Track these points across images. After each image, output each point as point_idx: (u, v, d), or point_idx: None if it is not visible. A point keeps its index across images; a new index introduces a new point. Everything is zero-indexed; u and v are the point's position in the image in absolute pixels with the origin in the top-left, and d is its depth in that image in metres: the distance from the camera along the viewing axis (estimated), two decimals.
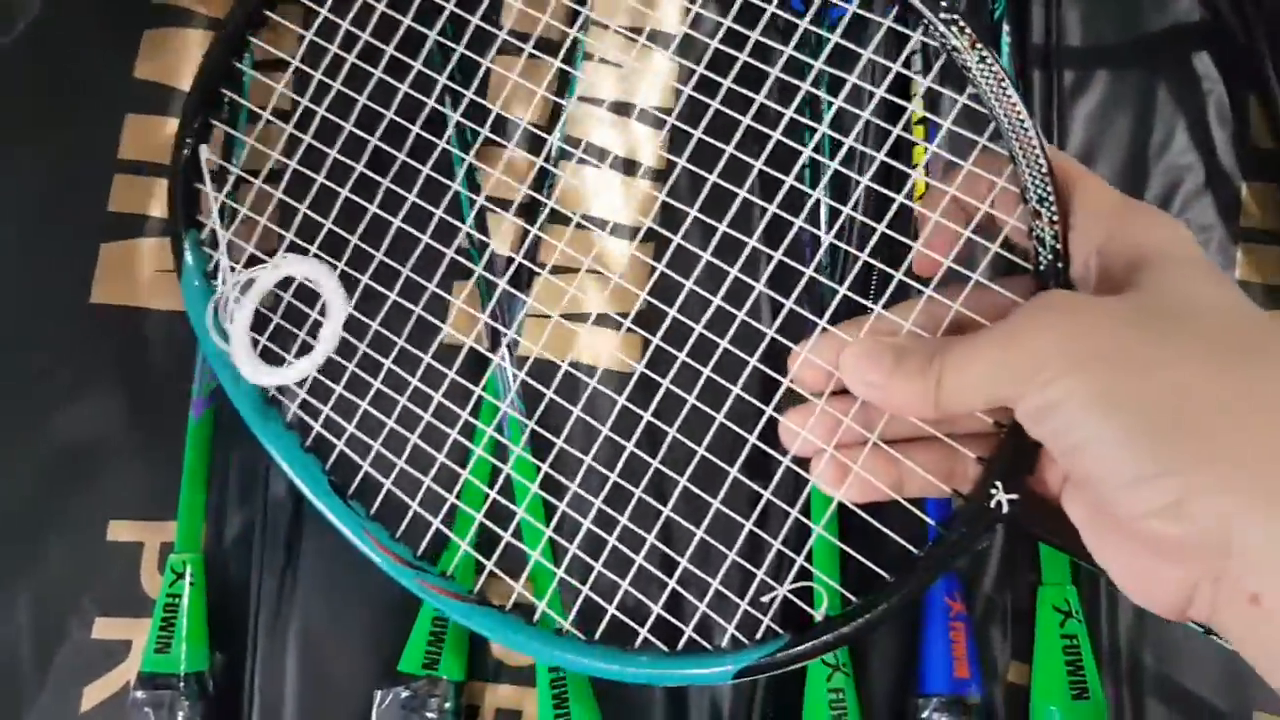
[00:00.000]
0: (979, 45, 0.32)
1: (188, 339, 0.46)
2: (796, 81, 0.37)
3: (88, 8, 0.50)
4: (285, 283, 0.41)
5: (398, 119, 0.41)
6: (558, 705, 0.42)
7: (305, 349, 0.40)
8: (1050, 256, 0.31)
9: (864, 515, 0.35)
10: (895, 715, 0.44)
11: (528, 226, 0.46)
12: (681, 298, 0.38)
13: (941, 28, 0.32)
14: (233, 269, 0.41)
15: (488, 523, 0.40)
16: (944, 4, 0.32)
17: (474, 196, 0.44)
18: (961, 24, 0.32)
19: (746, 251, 0.37)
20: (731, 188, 0.37)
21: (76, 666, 0.45)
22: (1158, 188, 0.48)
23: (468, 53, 0.42)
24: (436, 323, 0.41)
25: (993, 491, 0.31)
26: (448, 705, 0.43)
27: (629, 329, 0.41)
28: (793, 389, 0.36)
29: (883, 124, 0.37)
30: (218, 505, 0.47)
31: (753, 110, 0.37)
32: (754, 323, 0.37)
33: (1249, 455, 0.25)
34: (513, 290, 0.45)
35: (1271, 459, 0.24)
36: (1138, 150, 0.48)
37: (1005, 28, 0.47)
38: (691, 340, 0.38)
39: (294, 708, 0.45)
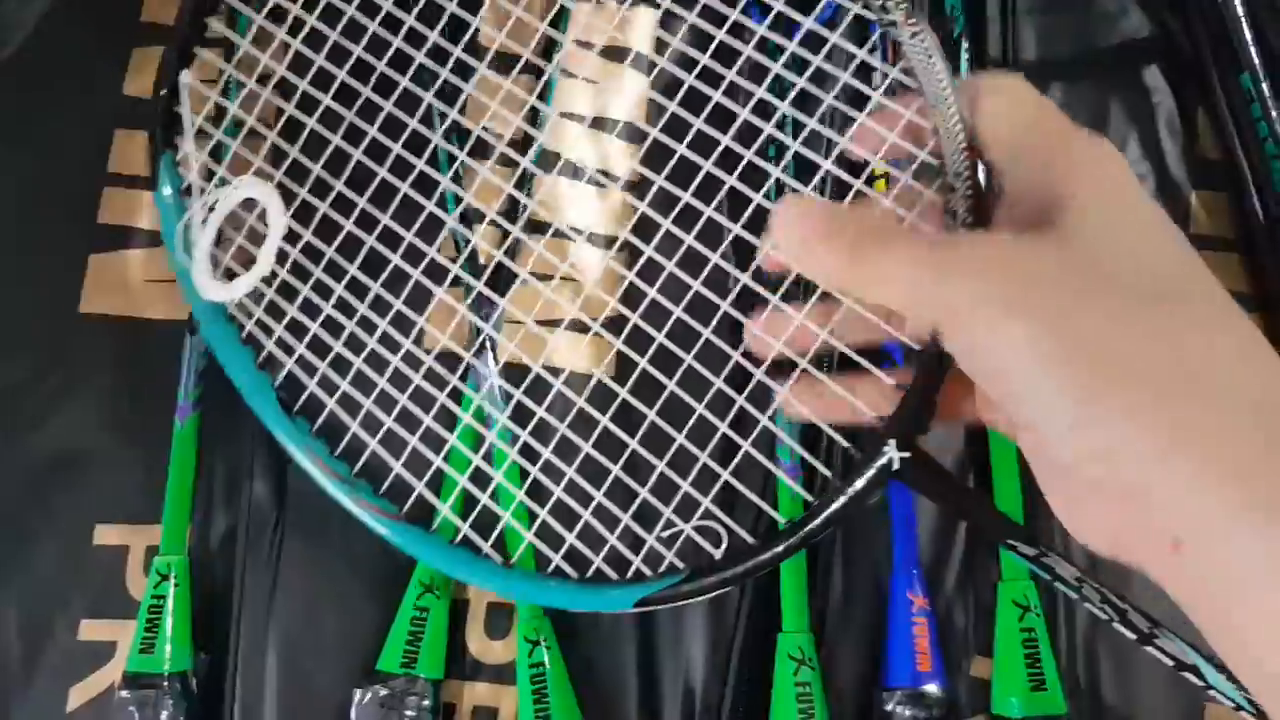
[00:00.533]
0: (912, 20, 0.33)
1: (173, 347, 0.48)
2: (770, 97, 0.39)
3: (80, 27, 0.52)
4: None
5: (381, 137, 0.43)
6: (537, 701, 0.44)
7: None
8: (960, 228, 0.32)
9: (766, 463, 0.37)
10: (861, 708, 0.45)
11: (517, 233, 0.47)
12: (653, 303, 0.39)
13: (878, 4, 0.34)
14: (200, 191, 0.43)
15: (420, 446, 0.40)
16: None
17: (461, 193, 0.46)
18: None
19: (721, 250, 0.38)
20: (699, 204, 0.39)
21: (63, 667, 0.46)
22: None
23: (453, 76, 0.43)
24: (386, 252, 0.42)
25: (885, 449, 0.33)
26: (426, 703, 0.44)
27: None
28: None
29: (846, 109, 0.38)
30: (202, 509, 0.48)
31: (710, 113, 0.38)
32: (722, 300, 0.38)
33: (1172, 407, 0.25)
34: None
35: (1193, 409, 0.25)
36: None
37: (964, 44, 0.49)
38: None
39: (274, 707, 0.46)
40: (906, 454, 0.33)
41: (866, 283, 0.29)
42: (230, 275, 0.42)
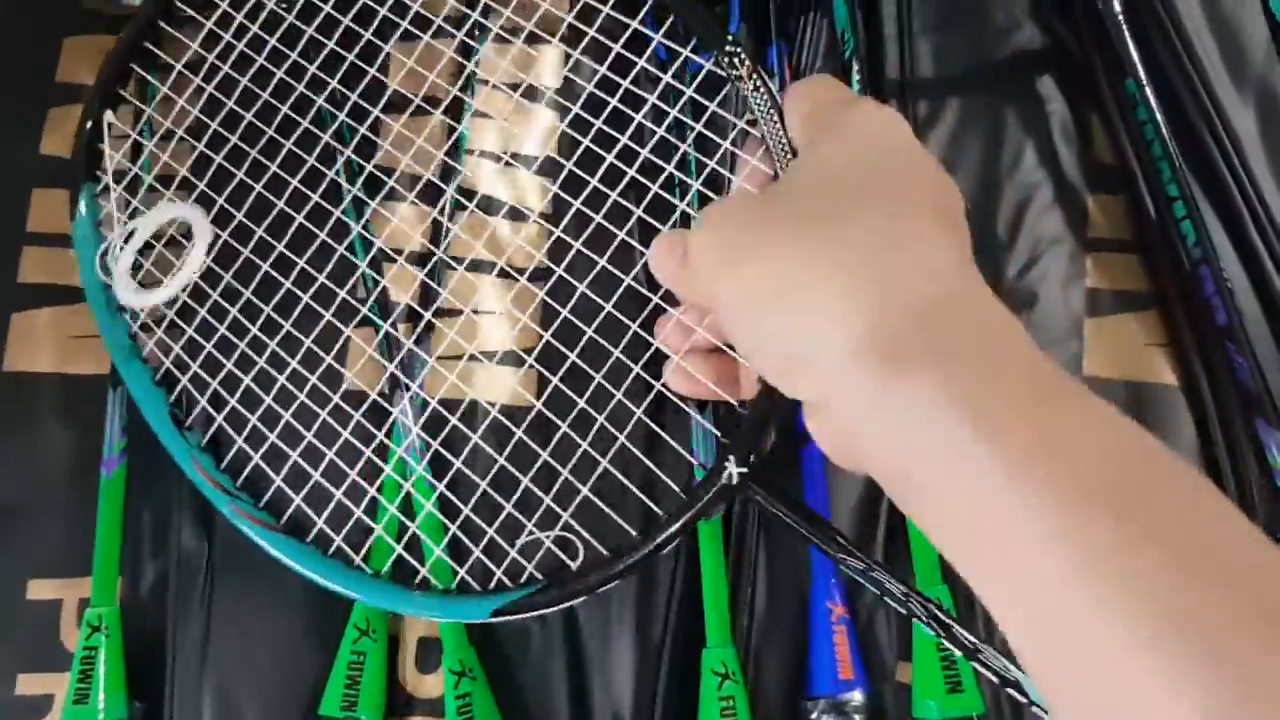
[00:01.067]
0: (755, 75, 0.36)
1: (97, 401, 0.48)
2: (670, 135, 0.40)
3: None
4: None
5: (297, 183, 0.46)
6: None
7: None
8: None
9: (621, 478, 0.41)
10: (788, 716, 0.46)
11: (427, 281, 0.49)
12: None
13: (725, 60, 0.38)
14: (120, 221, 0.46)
15: (302, 462, 0.44)
16: (729, 38, 0.37)
17: (372, 239, 0.48)
18: (741, 56, 0.36)
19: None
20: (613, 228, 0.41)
21: None
22: (1009, 205, 0.51)
23: (353, 125, 0.45)
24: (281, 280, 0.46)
25: (725, 464, 0.36)
26: None
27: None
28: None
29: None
30: (132, 559, 0.48)
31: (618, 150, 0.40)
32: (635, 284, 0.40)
33: (833, 345, 0.27)
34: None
35: (816, 292, 0.28)
36: (989, 170, 0.51)
37: (855, 65, 0.50)
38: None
39: None
40: (744, 469, 0.35)
41: (681, 281, 0.33)
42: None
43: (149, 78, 0.49)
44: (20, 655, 0.48)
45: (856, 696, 0.44)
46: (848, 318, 0.27)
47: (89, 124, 0.48)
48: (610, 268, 0.42)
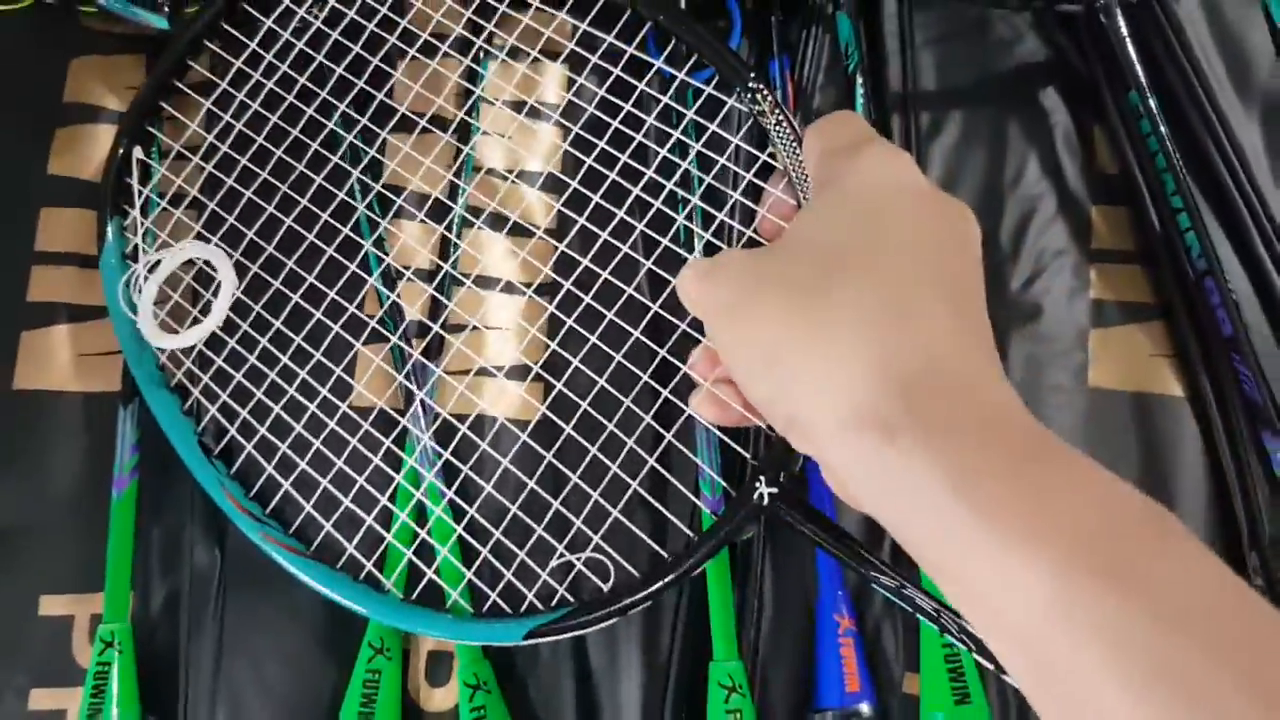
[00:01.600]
0: (778, 109, 0.36)
1: (108, 419, 0.49)
2: (672, 157, 0.41)
3: (1, 110, 0.53)
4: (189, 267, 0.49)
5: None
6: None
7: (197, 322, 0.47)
8: None
9: (654, 502, 0.41)
10: None
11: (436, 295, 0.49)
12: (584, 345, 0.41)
13: (748, 96, 0.38)
14: (145, 251, 0.47)
15: (331, 488, 0.45)
16: (751, 76, 0.37)
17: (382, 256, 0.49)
18: (764, 92, 0.36)
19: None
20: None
21: None
22: (1013, 217, 0.51)
23: (362, 146, 0.46)
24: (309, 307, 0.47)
25: (756, 485, 0.37)
26: None
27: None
28: None
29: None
30: (143, 576, 0.49)
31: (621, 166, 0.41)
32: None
33: (824, 417, 0.28)
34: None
35: (798, 360, 0.29)
36: (993, 182, 0.51)
37: (859, 79, 0.50)
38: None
39: None
40: (774, 489, 0.35)
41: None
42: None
43: (174, 112, 0.50)
44: (33, 670, 0.48)
45: (864, 709, 0.44)
46: (837, 393, 0.27)
47: (119, 153, 0.48)
48: (615, 280, 0.43)
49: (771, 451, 0.37)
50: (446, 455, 0.46)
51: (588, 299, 0.43)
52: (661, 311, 0.42)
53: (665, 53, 0.42)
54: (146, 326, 0.46)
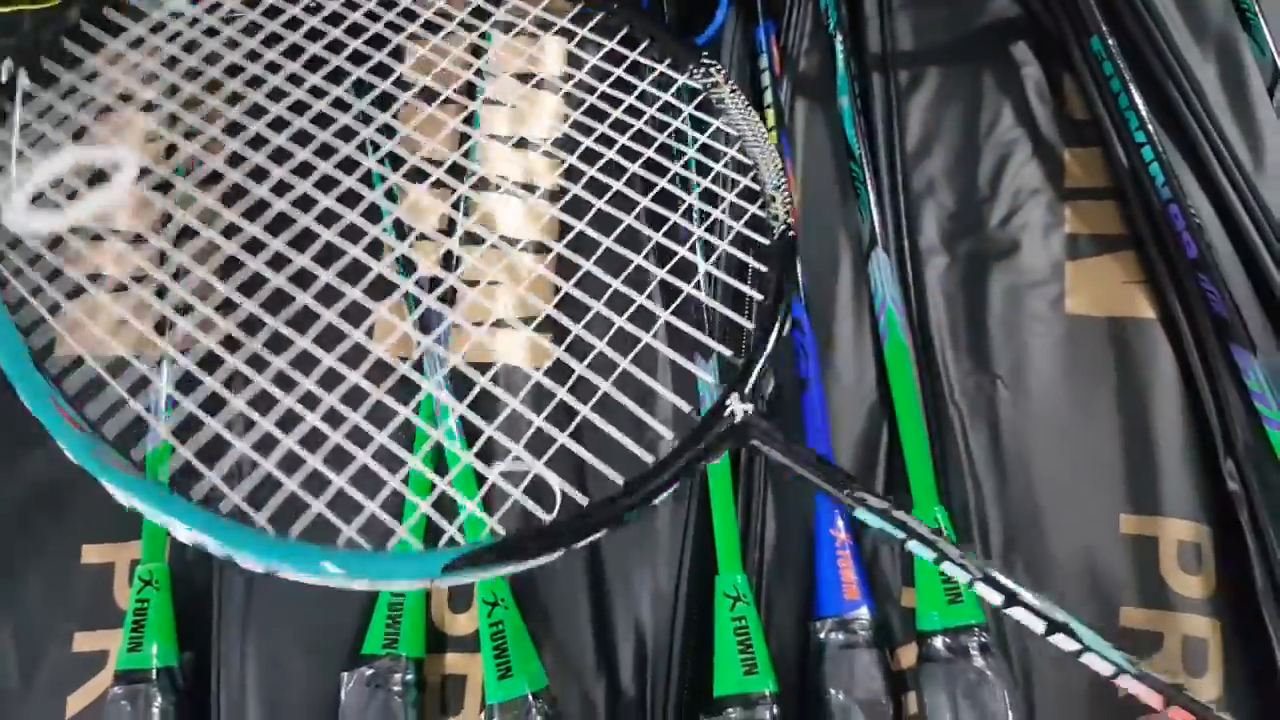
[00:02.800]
0: (729, 82, 0.40)
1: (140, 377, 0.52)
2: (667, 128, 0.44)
3: None
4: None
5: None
6: (499, 655, 0.46)
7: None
8: (783, 228, 0.39)
9: (607, 428, 0.37)
10: (801, 644, 0.48)
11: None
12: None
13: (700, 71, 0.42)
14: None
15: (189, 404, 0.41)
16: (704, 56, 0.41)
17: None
18: (717, 66, 0.40)
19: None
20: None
21: (59, 678, 0.50)
22: (989, 161, 0.54)
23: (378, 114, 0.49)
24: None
25: (728, 403, 0.34)
26: (409, 678, 0.47)
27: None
28: None
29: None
30: None
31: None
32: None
33: None
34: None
35: None
36: (970, 132, 0.55)
37: (838, 37, 0.54)
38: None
39: (257, 699, 0.49)
40: (749, 407, 0.34)
41: None
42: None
43: None
44: (77, 615, 0.51)
45: (863, 614, 0.46)
46: None
47: None
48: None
49: (745, 371, 0.35)
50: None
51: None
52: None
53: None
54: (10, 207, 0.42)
